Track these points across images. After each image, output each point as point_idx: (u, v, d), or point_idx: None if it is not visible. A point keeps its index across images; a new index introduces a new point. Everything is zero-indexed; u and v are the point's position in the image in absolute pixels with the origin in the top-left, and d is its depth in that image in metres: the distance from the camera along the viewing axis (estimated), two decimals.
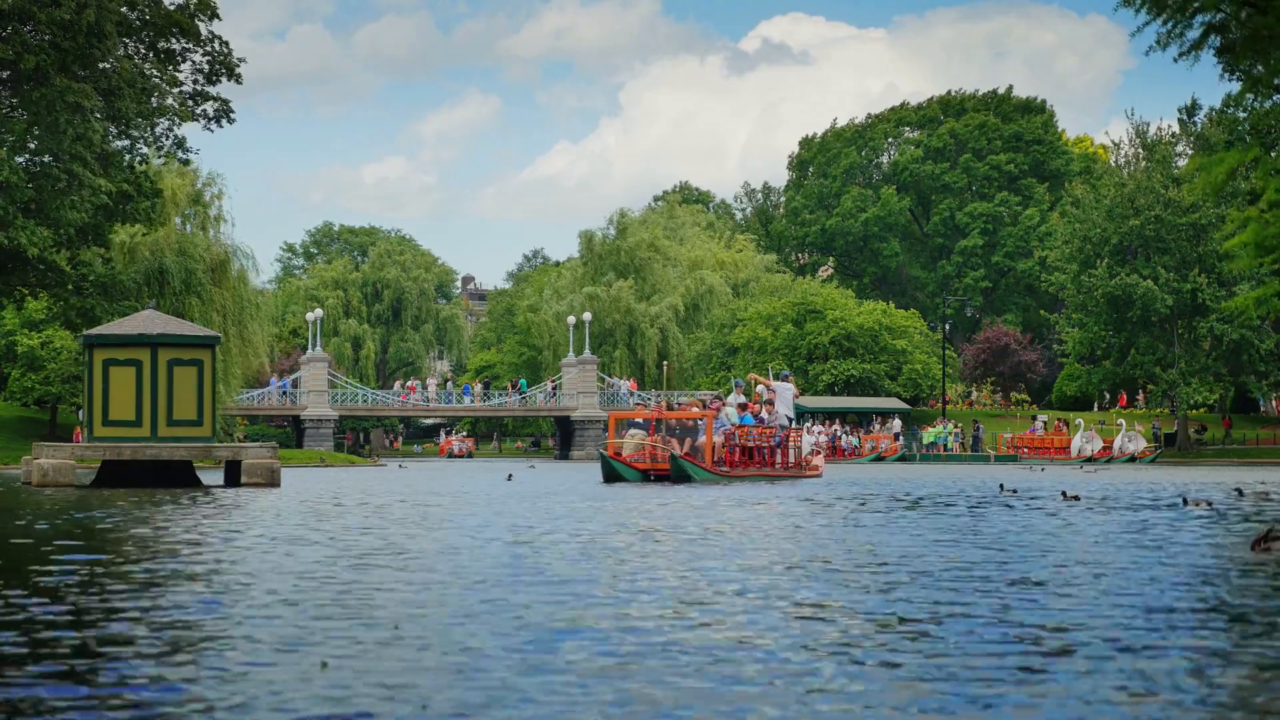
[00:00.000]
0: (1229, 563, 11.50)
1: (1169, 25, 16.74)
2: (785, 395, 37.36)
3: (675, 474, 32.80)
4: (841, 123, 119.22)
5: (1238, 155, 17.91)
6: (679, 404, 40.03)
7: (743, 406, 36.54)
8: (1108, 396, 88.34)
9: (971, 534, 14.73)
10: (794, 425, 37.93)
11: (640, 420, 35.58)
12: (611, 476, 33.17)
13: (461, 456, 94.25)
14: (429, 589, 9.44)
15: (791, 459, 37.07)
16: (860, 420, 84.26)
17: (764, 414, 36.58)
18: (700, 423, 34.07)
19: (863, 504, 21.65)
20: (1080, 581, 9.98)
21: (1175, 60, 17.20)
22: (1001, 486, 28.60)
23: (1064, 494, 24.40)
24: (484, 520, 17.23)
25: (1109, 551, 12.67)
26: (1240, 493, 24.40)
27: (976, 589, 9.44)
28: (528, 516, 18.00)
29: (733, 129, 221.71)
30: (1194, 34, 16.85)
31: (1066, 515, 18.52)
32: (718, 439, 34.12)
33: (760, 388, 38.35)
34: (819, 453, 42.49)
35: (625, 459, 33.67)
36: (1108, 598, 9.02)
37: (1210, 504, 21.15)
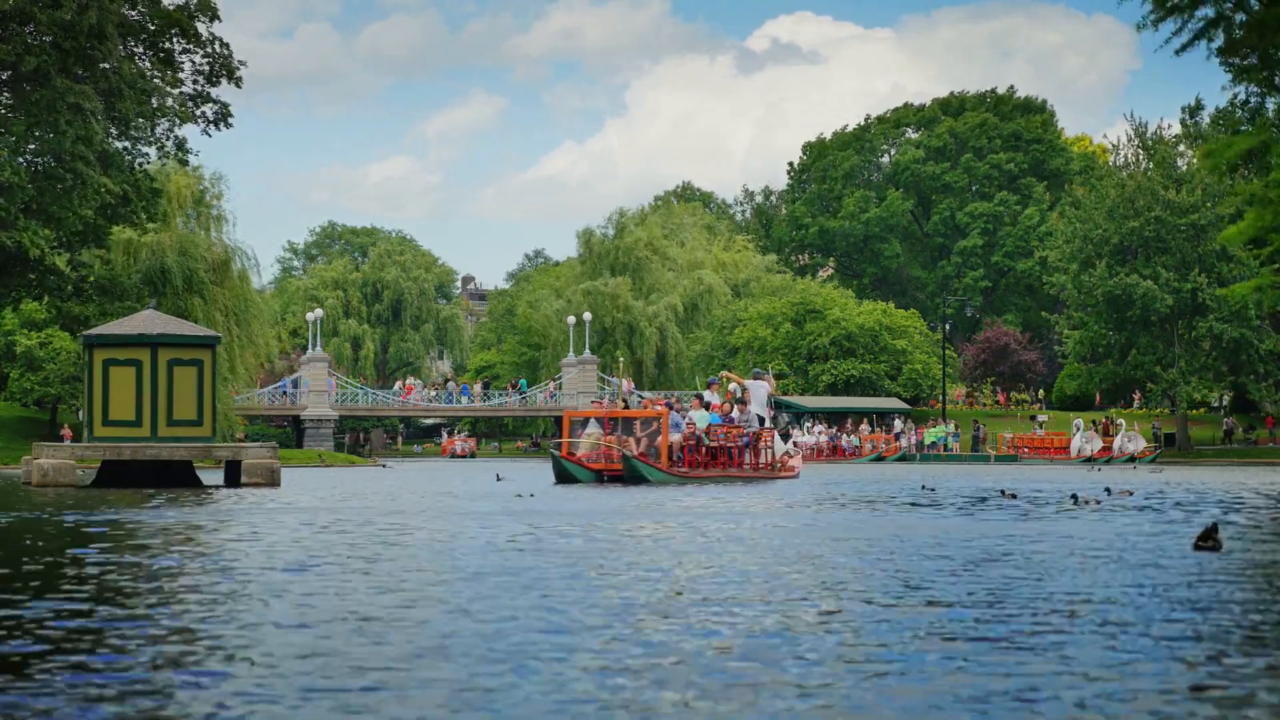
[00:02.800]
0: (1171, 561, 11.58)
1: (1170, 17, 16.73)
2: (759, 394, 36.12)
3: (629, 474, 31.67)
4: (842, 126, 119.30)
5: (1249, 139, 17.87)
6: (642, 402, 38.65)
7: (708, 405, 35.30)
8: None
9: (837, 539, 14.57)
10: (767, 425, 36.43)
11: (598, 419, 34.23)
12: (564, 477, 32.02)
13: (464, 456, 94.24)
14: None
15: (764, 460, 35.70)
16: (877, 420, 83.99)
17: (735, 413, 35.29)
18: (658, 422, 32.90)
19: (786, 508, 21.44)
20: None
21: (1176, 54, 17.18)
22: (923, 486, 30.13)
23: (1003, 492, 25.04)
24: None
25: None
26: (1109, 491, 25.33)
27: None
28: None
29: (737, 129, 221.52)
30: (1196, 25, 16.84)
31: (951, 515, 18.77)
32: (675, 438, 32.92)
33: (734, 386, 36.95)
34: (797, 454, 41.03)
35: (578, 459, 32.60)
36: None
37: (1099, 501, 22.19)
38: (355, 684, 6.05)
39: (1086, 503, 21.79)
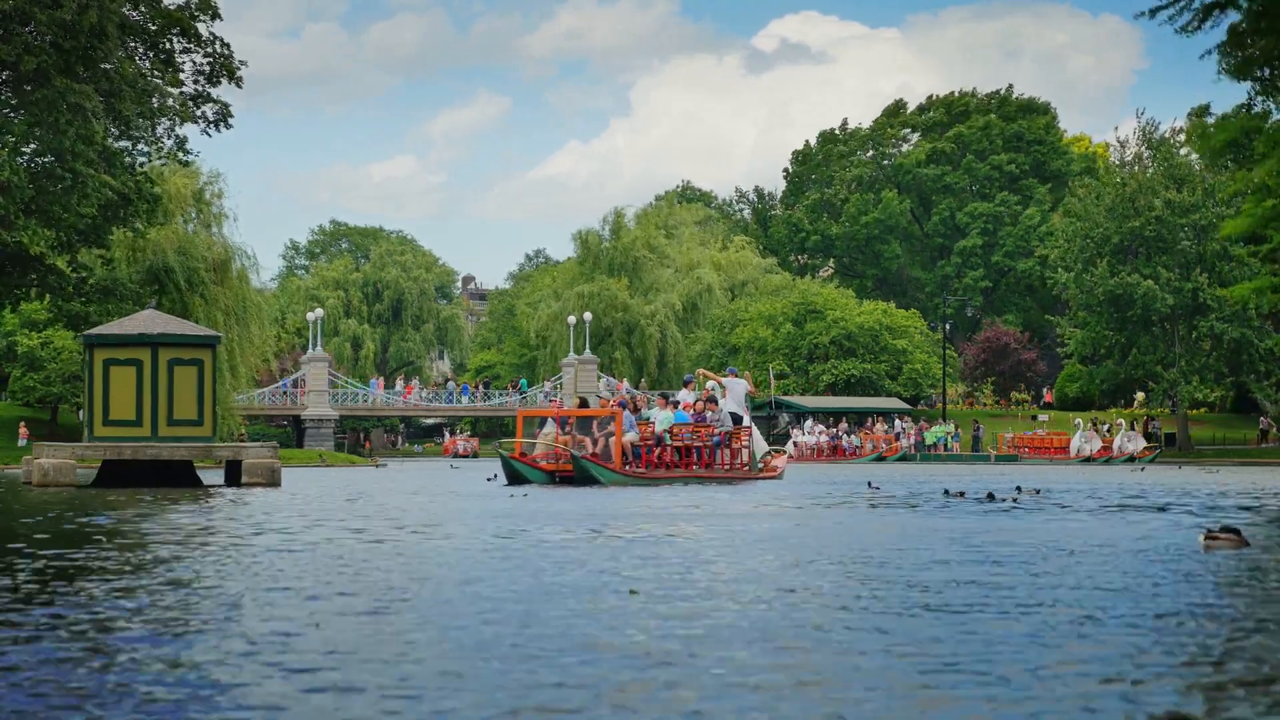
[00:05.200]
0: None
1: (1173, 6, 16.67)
2: (736, 392, 35.20)
3: (579, 475, 30.74)
4: (835, 127, 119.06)
5: (1244, 120, 17.86)
6: (600, 400, 37.60)
7: (676, 404, 34.51)
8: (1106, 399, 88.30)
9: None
10: (746, 423, 35.10)
11: (555, 418, 33.21)
12: (515, 479, 31.06)
13: (466, 456, 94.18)
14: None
15: (742, 459, 34.51)
16: (883, 420, 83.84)
17: (707, 412, 34.16)
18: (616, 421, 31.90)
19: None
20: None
21: (1176, 32, 17.09)
22: (869, 484, 30.97)
23: (946, 491, 25.52)
24: None
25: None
26: (1020, 490, 26.45)
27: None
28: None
29: (742, 129, 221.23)
30: (1200, 3, 16.78)
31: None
32: (631, 438, 31.90)
33: (711, 384, 35.81)
34: (783, 454, 39.98)
35: (530, 459, 31.77)
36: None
37: (963, 494, 23.96)
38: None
39: (960, 495, 23.47)
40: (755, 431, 36.20)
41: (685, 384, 36.81)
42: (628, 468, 31.59)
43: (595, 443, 31.66)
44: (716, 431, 33.94)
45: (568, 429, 32.02)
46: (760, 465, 35.39)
